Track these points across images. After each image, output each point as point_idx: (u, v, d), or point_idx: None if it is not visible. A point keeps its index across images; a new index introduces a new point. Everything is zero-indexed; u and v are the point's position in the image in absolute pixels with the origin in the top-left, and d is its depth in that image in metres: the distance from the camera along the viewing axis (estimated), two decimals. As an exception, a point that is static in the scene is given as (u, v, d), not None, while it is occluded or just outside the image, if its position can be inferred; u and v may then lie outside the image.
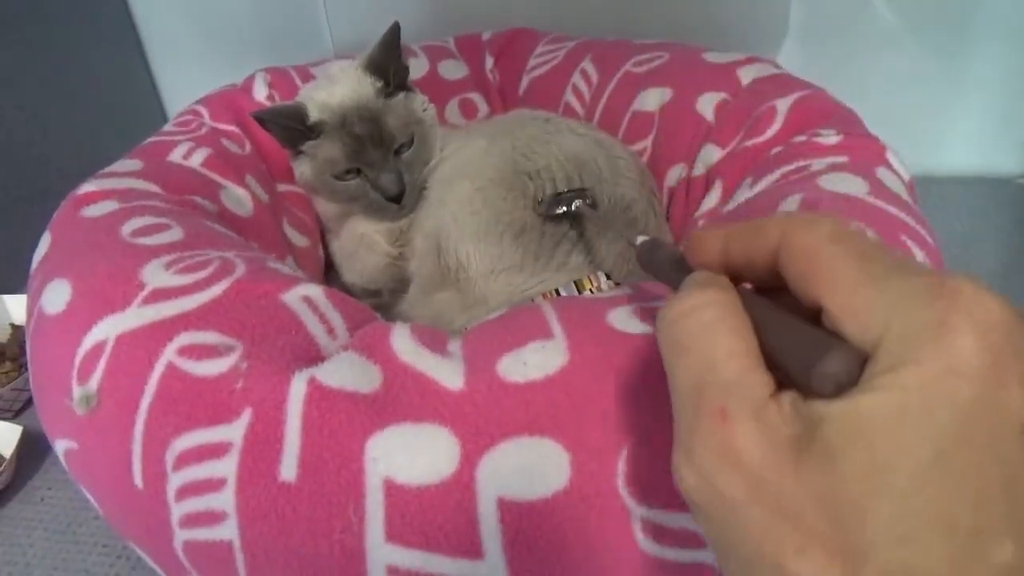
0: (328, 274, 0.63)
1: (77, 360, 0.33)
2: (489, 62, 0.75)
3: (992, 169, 0.80)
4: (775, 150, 0.47)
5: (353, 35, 0.88)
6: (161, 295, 0.33)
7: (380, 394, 0.29)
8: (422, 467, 0.27)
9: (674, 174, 0.57)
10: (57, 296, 0.36)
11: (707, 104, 0.56)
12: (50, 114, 0.78)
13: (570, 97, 0.66)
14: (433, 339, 0.32)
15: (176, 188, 0.46)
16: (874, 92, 0.64)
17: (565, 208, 0.47)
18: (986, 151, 0.80)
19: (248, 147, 0.57)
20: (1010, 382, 0.16)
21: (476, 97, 0.73)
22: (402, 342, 0.32)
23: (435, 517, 0.27)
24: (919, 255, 0.36)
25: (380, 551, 0.27)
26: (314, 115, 0.53)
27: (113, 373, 0.32)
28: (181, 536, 0.30)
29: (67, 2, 0.81)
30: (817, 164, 0.43)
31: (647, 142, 0.59)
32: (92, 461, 0.33)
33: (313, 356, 0.32)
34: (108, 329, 0.33)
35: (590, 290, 0.46)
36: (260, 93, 0.62)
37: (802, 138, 0.47)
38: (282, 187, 0.59)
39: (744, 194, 0.46)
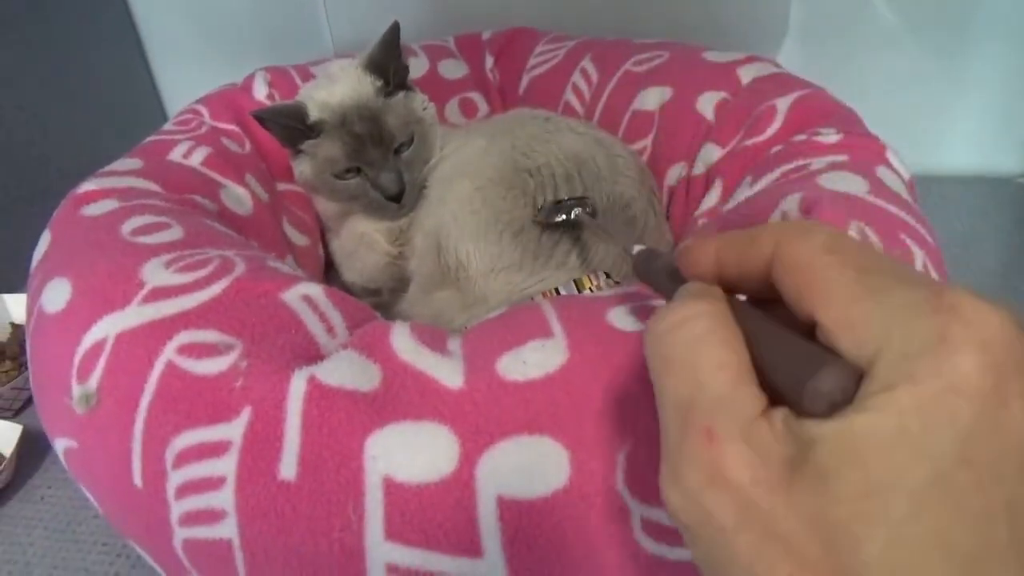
0: (328, 273, 0.63)
1: (77, 359, 0.33)
2: (489, 61, 0.75)
3: (992, 168, 0.80)
4: (775, 149, 0.47)
5: (353, 34, 0.88)
6: (161, 294, 0.33)
7: (380, 392, 0.29)
8: (422, 465, 0.27)
9: (674, 173, 0.57)
10: (57, 295, 0.36)
11: (707, 103, 0.56)
12: (50, 114, 0.78)
13: (570, 96, 0.66)
14: (433, 338, 0.32)
15: (176, 187, 0.46)
16: (874, 92, 0.64)
17: (564, 216, 0.47)
18: (986, 150, 0.80)
19: (248, 146, 0.57)
20: (1012, 400, 0.15)
21: (476, 96, 0.73)
22: (402, 341, 0.32)
23: (434, 515, 0.27)
24: (919, 254, 0.36)
25: (379, 549, 0.27)
26: (314, 114, 0.53)
27: (113, 372, 0.32)
28: (181, 534, 0.30)
29: (67, 2, 0.81)
30: (817, 163, 0.43)
31: (647, 141, 0.59)
32: (92, 460, 0.33)
33: (313, 355, 0.32)
34: (108, 328, 0.33)
35: (590, 289, 0.46)
36: (260, 92, 0.62)
37: (802, 137, 0.47)
38: (282, 186, 0.59)
39: (744, 193, 0.46)
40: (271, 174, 0.59)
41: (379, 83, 0.55)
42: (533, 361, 0.29)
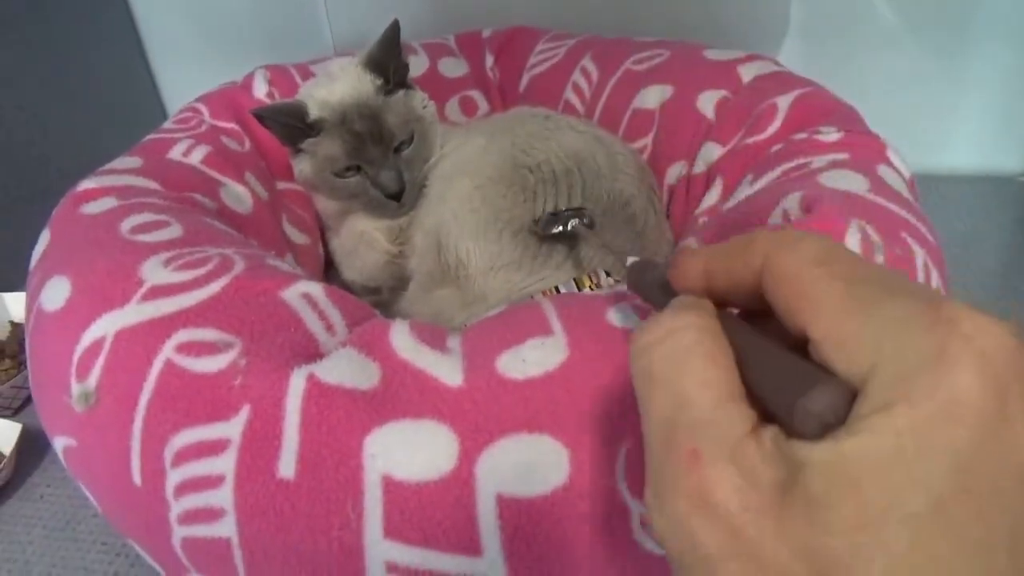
0: (328, 271, 0.63)
1: (76, 357, 0.33)
2: (489, 60, 0.75)
3: (993, 168, 0.80)
4: (776, 147, 0.47)
5: (353, 33, 0.88)
6: (160, 292, 0.33)
7: (379, 390, 0.29)
8: (421, 463, 0.27)
9: (674, 172, 0.57)
10: (56, 293, 0.35)
11: (707, 102, 0.55)
12: (50, 114, 0.78)
13: (570, 95, 0.66)
14: (432, 336, 0.32)
15: (175, 185, 0.46)
16: (875, 91, 0.63)
17: (561, 227, 0.46)
18: (987, 150, 0.80)
19: (248, 144, 0.57)
20: (1015, 419, 0.14)
21: (476, 95, 0.73)
22: (401, 339, 0.32)
23: (434, 514, 0.27)
24: (920, 253, 0.36)
25: (378, 548, 0.27)
26: (314, 113, 0.53)
27: (112, 370, 0.32)
28: (180, 533, 0.30)
29: (67, 2, 0.81)
30: (818, 161, 0.43)
31: (647, 140, 0.59)
32: (91, 458, 0.33)
33: (312, 353, 0.32)
34: (107, 326, 0.33)
35: (590, 287, 0.46)
36: (260, 90, 0.62)
37: (803, 135, 0.47)
38: (282, 185, 0.59)
39: (744, 191, 0.46)
40: (271, 172, 0.59)
41: (379, 81, 0.54)
42: (533, 359, 0.29)
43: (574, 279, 0.47)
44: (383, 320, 0.34)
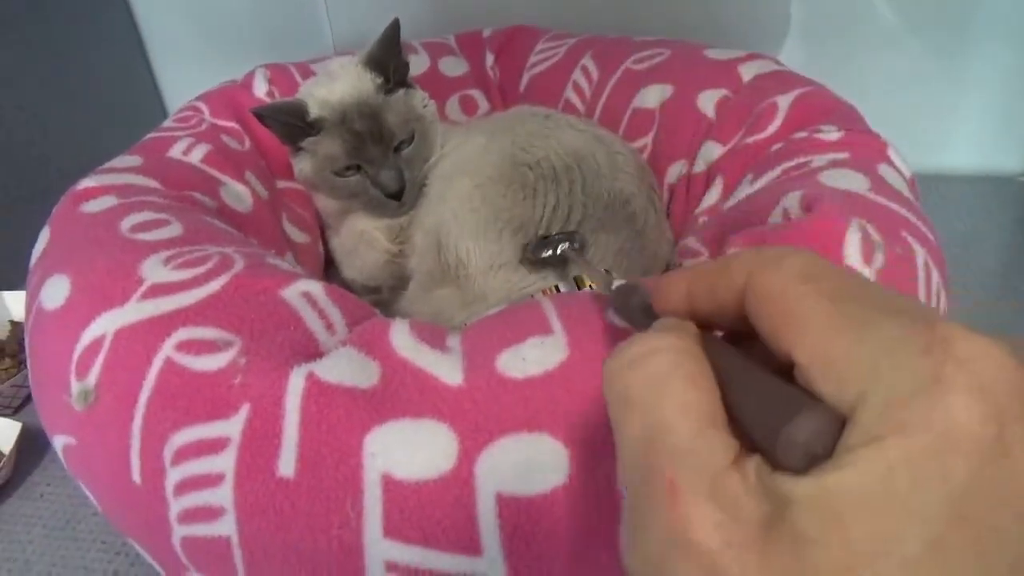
0: (328, 270, 0.63)
1: (75, 355, 0.33)
2: (489, 59, 0.75)
3: (993, 168, 0.80)
4: (776, 146, 0.47)
5: (354, 32, 0.88)
6: (160, 290, 0.33)
7: (379, 389, 0.29)
8: (421, 462, 0.27)
9: (675, 171, 0.57)
10: (56, 291, 0.35)
11: (708, 101, 0.55)
12: (50, 114, 0.78)
13: (570, 94, 0.66)
14: (432, 335, 0.32)
15: (175, 184, 0.46)
16: (875, 91, 0.63)
17: (551, 251, 0.46)
18: (987, 150, 0.80)
19: (248, 143, 0.57)
20: (1015, 450, 0.13)
21: (476, 94, 0.73)
22: (401, 338, 0.31)
23: (433, 513, 0.27)
24: (920, 252, 0.36)
25: (378, 547, 0.27)
26: (314, 111, 0.53)
27: (111, 368, 0.32)
28: (179, 532, 0.30)
29: (67, 2, 0.81)
30: (818, 160, 0.43)
31: (648, 139, 0.59)
32: (90, 457, 0.33)
33: (312, 352, 0.32)
34: (106, 324, 0.33)
35: (589, 286, 0.46)
36: (260, 89, 0.62)
37: (803, 134, 0.47)
38: (282, 183, 0.59)
39: (745, 191, 0.46)
40: (271, 171, 0.59)
41: (379, 80, 0.54)
42: (533, 358, 0.29)
43: (574, 278, 0.47)
44: (383, 319, 0.34)
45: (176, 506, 0.30)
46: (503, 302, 0.45)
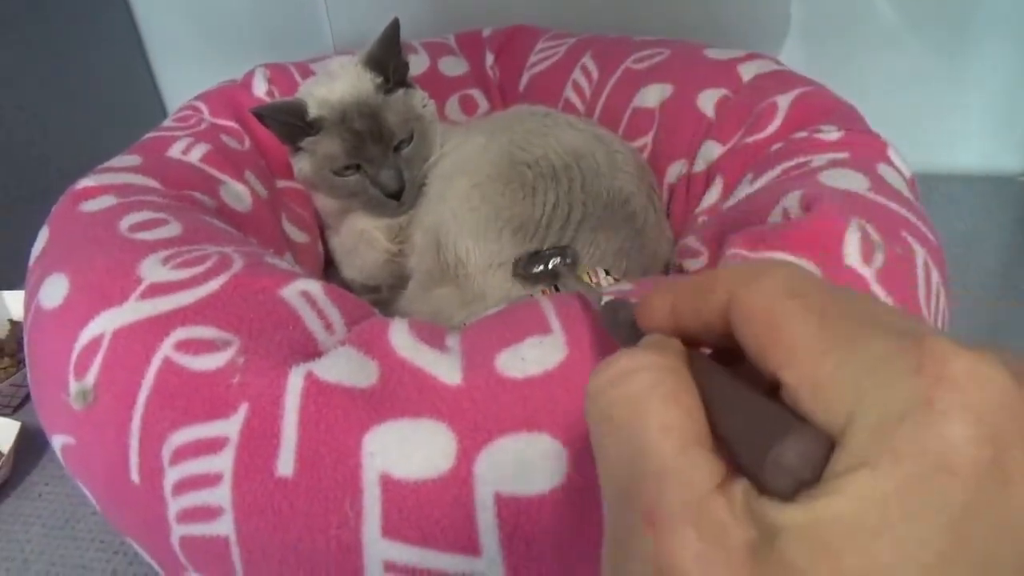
0: (328, 270, 0.63)
1: (74, 355, 0.33)
2: (489, 59, 0.75)
3: (994, 167, 0.80)
4: (776, 146, 0.47)
5: (354, 32, 0.88)
6: (158, 290, 0.33)
7: (377, 389, 0.29)
8: (419, 462, 0.27)
9: (674, 170, 0.57)
10: (54, 291, 0.35)
11: (708, 100, 0.55)
12: (50, 114, 0.78)
13: (570, 93, 0.66)
14: (431, 334, 0.32)
15: (175, 183, 0.46)
16: (875, 91, 0.63)
17: (543, 266, 0.46)
18: (988, 149, 0.80)
19: (247, 143, 0.57)
20: (1015, 476, 0.12)
21: (476, 93, 0.73)
22: (400, 337, 0.31)
23: (432, 512, 0.27)
24: (920, 252, 0.36)
25: (377, 546, 0.27)
26: (313, 111, 0.53)
27: (110, 368, 0.32)
28: (178, 531, 0.30)
29: (67, 2, 0.81)
30: (818, 160, 0.43)
31: (647, 138, 0.59)
32: (89, 456, 0.33)
33: (311, 351, 0.32)
34: (105, 324, 0.33)
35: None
36: (260, 89, 0.62)
37: (803, 134, 0.47)
38: (281, 183, 0.59)
39: (745, 190, 0.45)
40: (270, 171, 0.59)
41: (379, 80, 0.54)
42: (532, 358, 0.29)
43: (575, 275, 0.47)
44: (382, 319, 0.34)
45: (174, 505, 0.30)
46: (502, 301, 0.45)
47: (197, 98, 0.59)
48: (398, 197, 0.54)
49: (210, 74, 0.66)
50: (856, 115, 0.49)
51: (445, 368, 0.30)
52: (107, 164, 0.47)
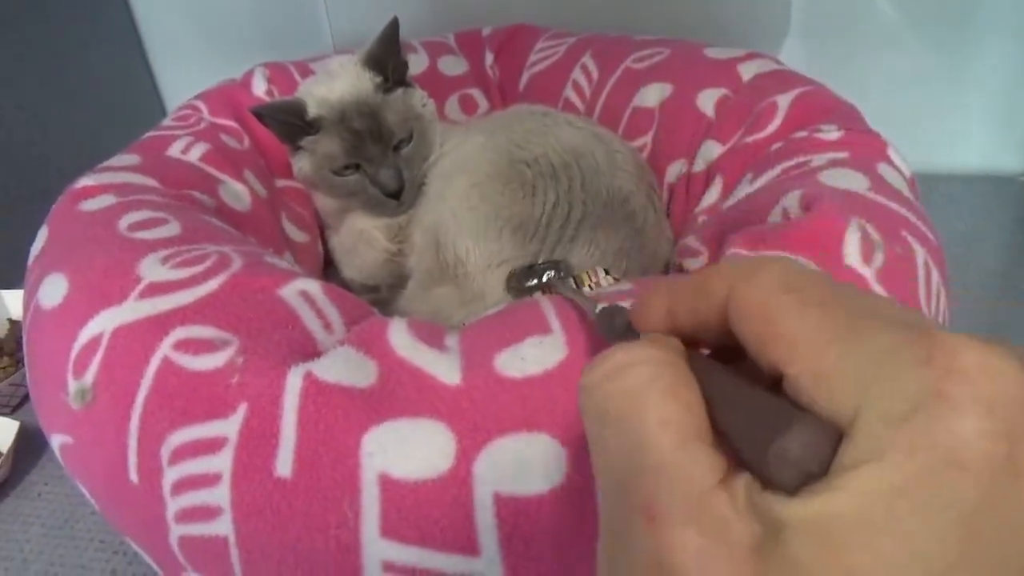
0: (327, 269, 0.63)
1: (73, 354, 0.33)
2: (489, 58, 0.74)
3: (994, 167, 0.80)
4: (776, 146, 0.47)
5: (353, 31, 0.88)
6: (158, 289, 0.33)
7: (376, 389, 0.29)
8: (418, 462, 0.27)
9: (674, 170, 0.57)
10: (54, 290, 0.35)
11: (707, 100, 0.55)
12: (50, 114, 0.78)
13: (570, 93, 0.66)
14: (430, 334, 0.32)
15: (174, 182, 0.46)
16: (875, 91, 0.63)
17: (536, 280, 0.45)
18: (988, 149, 0.80)
19: (247, 142, 0.57)
20: None
21: (476, 93, 0.73)
22: (399, 337, 0.31)
23: (431, 512, 0.27)
24: (920, 252, 0.36)
25: (376, 546, 0.27)
26: (313, 110, 0.53)
27: (109, 367, 0.32)
28: (176, 531, 0.30)
29: (67, 2, 0.81)
30: (818, 160, 0.43)
31: (647, 138, 0.59)
32: (87, 456, 0.33)
33: (310, 351, 0.32)
34: (104, 323, 0.33)
35: (588, 286, 0.46)
36: (259, 88, 0.62)
37: (803, 134, 0.47)
38: (281, 182, 0.59)
39: (744, 190, 0.45)
40: (270, 170, 0.59)
41: (378, 79, 0.54)
42: (531, 358, 0.29)
43: (573, 278, 0.47)
44: (381, 318, 0.34)
45: (173, 505, 0.30)
46: (502, 301, 0.45)
47: (196, 97, 0.59)
48: (397, 196, 0.54)
49: (210, 74, 0.66)
50: (856, 115, 0.49)
51: (444, 368, 0.30)
52: (106, 163, 0.47)
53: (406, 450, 0.28)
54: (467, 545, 0.27)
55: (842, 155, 0.43)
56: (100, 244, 0.37)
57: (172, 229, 0.39)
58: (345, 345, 0.31)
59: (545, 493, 0.27)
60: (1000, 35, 0.74)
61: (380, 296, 0.59)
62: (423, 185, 0.56)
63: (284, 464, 0.28)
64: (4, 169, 0.71)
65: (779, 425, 0.14)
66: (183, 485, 0.29)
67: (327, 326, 0.34)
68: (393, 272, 0.58)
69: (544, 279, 0.45)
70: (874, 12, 0.75)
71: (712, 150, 0.53)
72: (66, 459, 0.35)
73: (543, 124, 0.54)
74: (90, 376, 0.32)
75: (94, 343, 0.32)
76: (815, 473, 0.13)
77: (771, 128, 0.49)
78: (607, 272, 0.47)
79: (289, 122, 0.53)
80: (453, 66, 0.72)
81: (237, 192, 0.51)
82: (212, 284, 0.34)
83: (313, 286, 0.35)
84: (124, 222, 0.39)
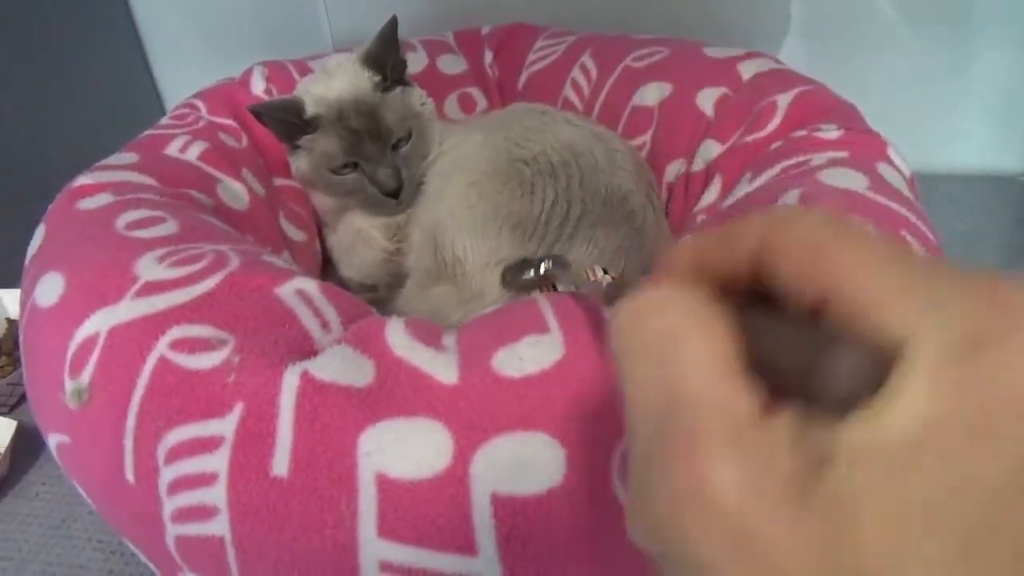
0: (326, 269, 0.63)
1: (69, 353, 0.33)
2: (488, 57, 0.74)
3: (994, 167, 0.80)
4: (775, 145, 0.47)
5: (352, 30, 0.88)
6: (154, 288, 0.33)
7: (373, 388, 0.29)
8: (415, 461, 0.27)
9: (673, 169, 0.57)
10: (50, 289, 0.35)
11: (707, 99, 0.55)
12: (49, 113, 0.78)
13: (569, 92, 0.66)
14: (428, 333, 0.32)
15: (172, 181, 0.46)
16: (875, 90, 0.63)
17: (533, 272, 0.44)
18: (988, 149, 0.80)
19: (245, 141, 0.57)
20: None
21: (475, 92, 0.72)
22: (396, 336, 0.31)
23: (428, 512, 0.27)
24: (920, 252, 0.36)
25: (373, 546, 0.27)
26: (311, 109, 0.53)
27: (105, 366, 0.32)
28: (173, 531, 0.30)
29: (67, 2, 0.81)
30: (817, 159, 0.42)
31: (646, 137, 0.59)
32: (84, 455, 0.33)
33: (307, 350, 0.32)
34: (100, 322, 0.33)
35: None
36: (257, 87, 0.61)
37: (802, 133, 0.46)
38: (279, 181, 0.59)
39: (744, 189, 0.45)
40: (268, 169, 0.59)
41: (377, 78, 0.54)
42: (529, 356, 0.29)
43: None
44: (378, 317, 0.34)
45: (169, 505, 0.29)
46: (500, 300, 0.45)
47: (195, 96, 0.59)
48: (396, 196, 0.54)
49: (209, 73, 0.66)
50: (856, 114, 0.49)
51: (441, 367, 0.30)
52: (104, 162, 0.46)
53: (403, 449, 0.27)
54: (464, 545, 0.27)
55: (842, 154, 0.42)
56: (97, 243, 0.37)
57: (169, 228, 0.39)
58: (342, 344, 0.31)
59: (543, 493, 0.27)
60: (1000, 35, 0.74)
61: (378, 295, 0.59)
62: (422, 184, 0.56)
63: (280, 463, 0.28)
64: (3, 168, 0.71)
65: (827, 350, 0.13)
66: (179, 484, 0.29)
67: (324, 325, 0.33)
68: (391, 271, 0.58)
69: (541, 271, 0.44)
70: (874, 12, 0.75)
71: (711, 149, 0.53)
72: (63, 459, 0.34)
73: (542, 122, 0.54)
74: (86, 375, 0.32)
75: (90, 342, 0.32)
76: (864, 398, 0.12)
77: (770, 127, 0.49)
78: (606, 271, 0.47)
79: (287, 121, 0.53)
80: (452, 65, 0.72)
81: (235, 191, 0.51)
82: (209, 283, 0.34)
83: (310, 285, 0.35)
84: (121, 221, 0.39)
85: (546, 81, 0.68)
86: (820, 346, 0.13)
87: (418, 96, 0.57)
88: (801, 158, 0.43)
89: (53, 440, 0.34)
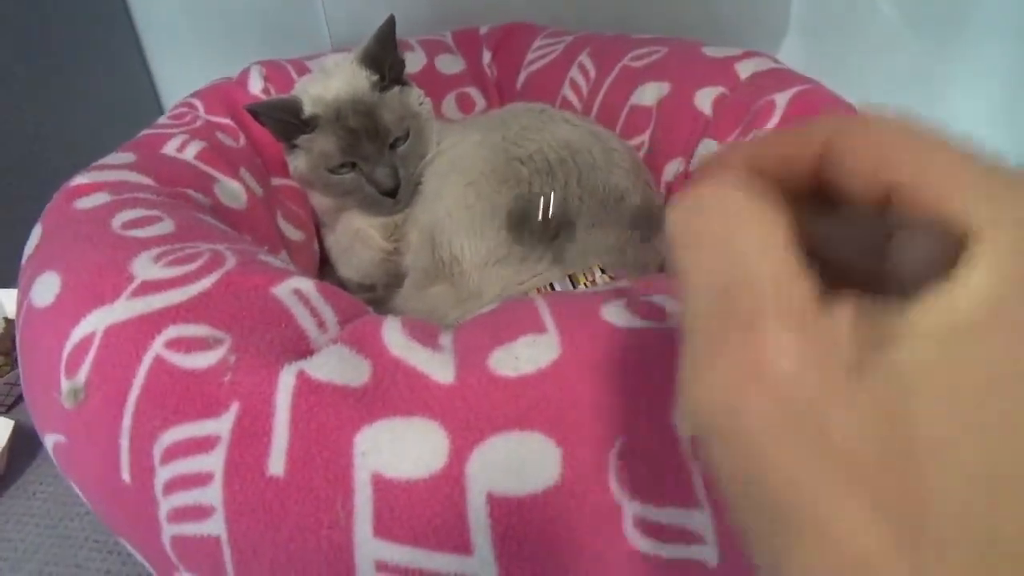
0: (323, 268, 0.63)
1: (65, 353, 0.33)
2: (486, 56, 0.74)
3: (993, 167, 0.80)
4: (773, 144, 0.47)
5: (351, 30, 0.88)
6: (150, 287, 0.33)
7: (370, 388, 0.29)
8: (412, 461, 0.27)
9: (671, 169, 0.57)
10: (46, 289, 0.35)
11: (705, 98, 0.55)
12: (47, 112, 0.78)
13: (567, 91, 0.66)
14: (424, 333, 0.32)
15: (169, 180, 0.46)
16: (875, 90, 0.63)
17: (542, 215, 0.43)
18: (988, 149, 0.80)
19: (243, 140, 0.57)
20: None
21: (473, 91, 0.72)
22: (393, 336, 0.31)
23: (424, 512, 0.27)
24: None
25: (368, 546, 0.27)
26: (309, 108, 0.53)
27: (101, 366, 0.32)
28: (169, 531, 0.30)
29: (65, 1, 0.81)
30: (815, 158, 0.42)
31: (645, 136, 0.59)
32: (80, 455, 0.33)
33: (303, 349, 0.32)
34: (96, 322, 0.32)
35: (584, 284, 0.46)
36: (255, 86, 0.61)
37: (800, 132, 0.46)
38: (277, 181, 0.59)
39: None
40: (266, 168, 0.59)
41: (374, 77, 0.54)
42: (525, 356, 0.29)
43: (569, 276, 0.47)
44: (375, 317, 0.34)
45: (165, 505, 0.29)
46: (497, 299, 0.45)
47: (192, 95, 0.59)
48: (394, 195, 0.54)
49: (207, 72, 0.66)
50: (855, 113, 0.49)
51: (438, 367, 0.30)
52: (101, 161, 0.46)
53: (399, 449, 0.27)
54: (460, 545, 0.27)
55: (840, 154, 0.42)
56: (93, 243, 0.37)
57: (166, 227, 0.38)
58: (338, 344, 0.31)
59: (539, 493, 0.27)
60: (1000, 35, 0.74)
61: (376, 295, 0.59)
62: (419, 184, 0.55)
63: (276, 463, 0.28)
64: (1, 168, 0.71)
65: (893, 239, 0.13)
66: (175, 484, 0.29)
67: (320, 324, 0.33)
68: (389, 271, 0.58)
69: (550, 213, 0.43)
70: (874, 12, 0.75)
71: (710, 149, 0.53)
72: (59, 458, 0.34)
73: (539, 121, 0.54)
74: (82, 375, 0.32)
75: (86, 342, 0.32)
76: (934, 278, 0.12)
77: (769, 126, 0.49)
78: (603, 271, 0.47)
79: (285, 120, 0.53)
80: (450, 64, 0.72)
81: (233, 190, 0.51)
82: (205, 282, 0.33)
83: (307, 284, 0.35)
84: (118, 220, 0.38)
85: (544, 81, 0.68)
86: (883, 238, 0.13)
87: (416, 96, 0.57)
88: (799, 157, 0.43)
89: (49, 440, 0.34)
